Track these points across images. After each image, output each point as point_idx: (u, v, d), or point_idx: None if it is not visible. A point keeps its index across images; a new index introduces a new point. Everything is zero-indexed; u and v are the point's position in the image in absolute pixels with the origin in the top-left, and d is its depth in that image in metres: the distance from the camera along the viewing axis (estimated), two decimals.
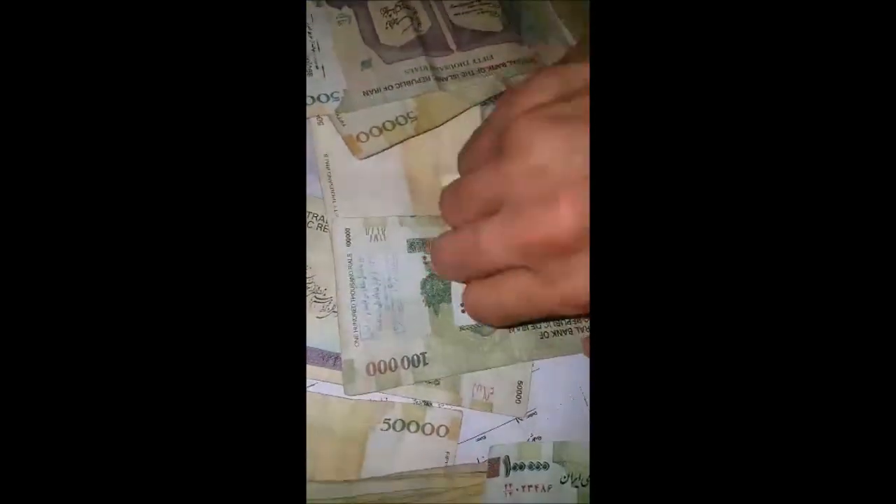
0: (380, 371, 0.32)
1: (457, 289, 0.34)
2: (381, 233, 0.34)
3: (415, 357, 0.33)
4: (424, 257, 0.34)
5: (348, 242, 0.34)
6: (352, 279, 0.33)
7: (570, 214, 0.24)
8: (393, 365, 0.33)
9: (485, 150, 0.30)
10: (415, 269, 0.34)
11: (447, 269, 0.33)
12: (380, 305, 0.33)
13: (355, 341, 0.32)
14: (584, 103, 0.25)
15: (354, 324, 0.33)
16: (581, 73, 0.27)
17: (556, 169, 0.25)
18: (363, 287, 0.33)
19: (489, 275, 0.30)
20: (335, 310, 0.33)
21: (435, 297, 0.34)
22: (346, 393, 0.32)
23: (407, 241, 0.34)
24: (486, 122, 0.32)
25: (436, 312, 0.34)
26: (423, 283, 0.34)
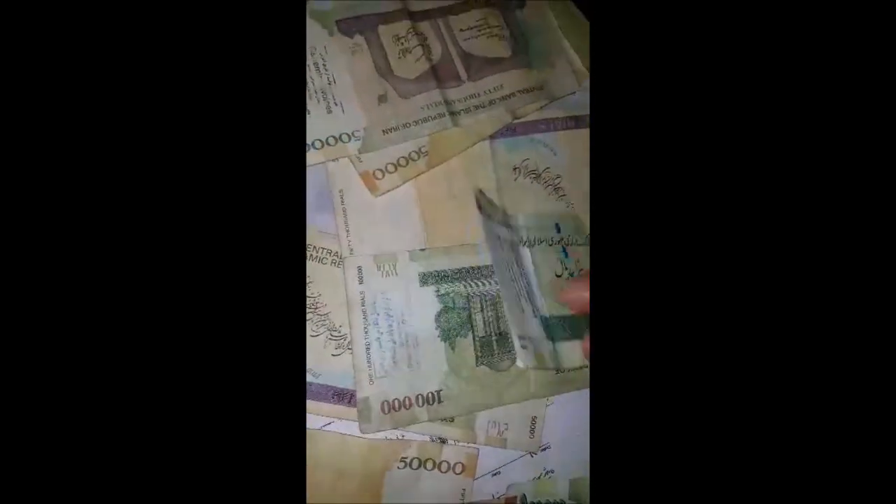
0: (394, 409, 0.32)
1: (475, 322, 0.34)
2: (392, 268, 0.34)
3: (430, 395, 0.33)
4: (437, 290, 0.34)
5: (361, 280, 0.34)
6: (365, 316, 0.33)
7: None
8: (408, 403, 0.32)
9: None
10: (428, 302, 0.34)
11: None
12: (394, 342, 0.33)
13: (370, 379, 0.32)
14: None
15: (369, 361, 0.33)
16: None
17: None
18: (376, 324, 0.33)
19: None
20: (350, 347, 0.33)
21: (451, 331, 0.34)
22: (361, 431, 0.32)
23: (419, 275, 0.34)
24: None
25: (452, 348, 0.34)
26: (438, 317, 0.34)
